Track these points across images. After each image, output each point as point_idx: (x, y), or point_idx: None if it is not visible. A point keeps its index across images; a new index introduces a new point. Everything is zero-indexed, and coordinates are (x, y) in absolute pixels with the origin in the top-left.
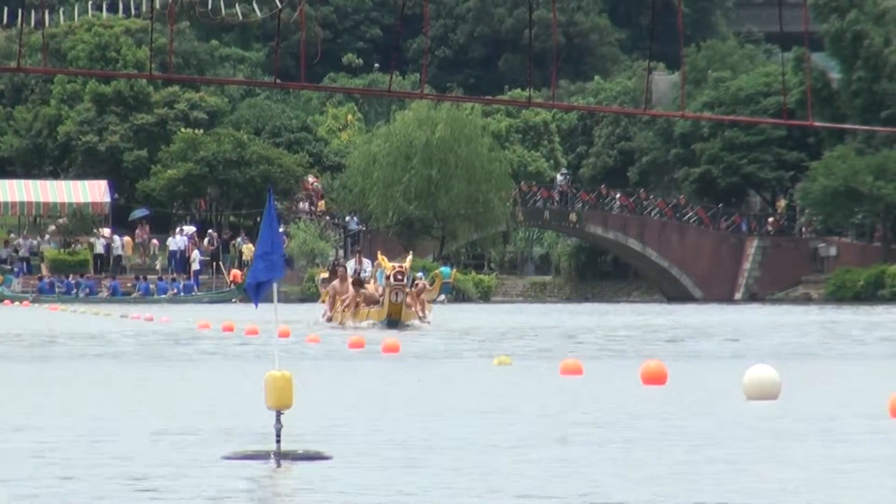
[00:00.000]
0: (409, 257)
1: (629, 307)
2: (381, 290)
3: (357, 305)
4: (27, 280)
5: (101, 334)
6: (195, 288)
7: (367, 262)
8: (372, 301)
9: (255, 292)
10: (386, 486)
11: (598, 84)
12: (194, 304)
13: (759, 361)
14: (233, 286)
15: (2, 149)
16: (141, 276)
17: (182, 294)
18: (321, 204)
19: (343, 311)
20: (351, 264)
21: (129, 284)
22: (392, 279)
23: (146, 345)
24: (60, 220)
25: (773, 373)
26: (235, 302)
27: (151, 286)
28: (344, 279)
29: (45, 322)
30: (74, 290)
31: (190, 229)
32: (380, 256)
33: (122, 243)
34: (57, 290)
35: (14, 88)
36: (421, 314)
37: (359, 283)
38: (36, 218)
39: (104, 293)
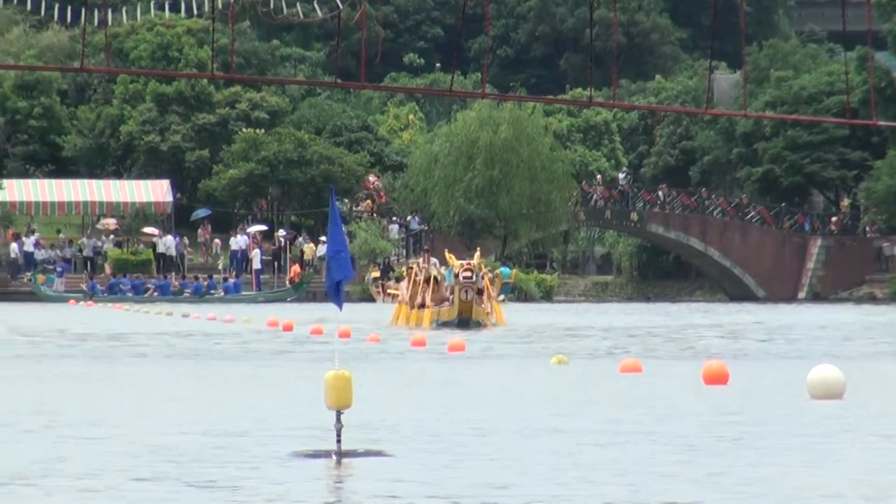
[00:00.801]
0: (477, 254)
1: (691, 306)
2: (450, 288)
3: (423, 305)
4: (70, 280)
5: (164, 333)
6: (241, 287)
7: (434, 262)
8: (442, 300)
9: (335, 293)
10: (446, 484)
11: (660, 83)
12: (248, 303)
13: (823, 361)
14: (289, 285)
15: (65, 148)
16: (189, 276)
17: (231, 293)
18: (367, 203)
19: (413, 310)
20: (419, 263)
21: (176, 284)
22: (461, 277)
23: (207, 344)
24: (110, 220)
25: (838, 372)
26: (290, 301)
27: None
28: (415, 278)
29: (108, 322)
30: (137, 291)
31: (258, 228)
32: (448, 255)
33: (175, 243)
34: (99, 288)
35: (77, 88)
36: (489, 311)
37: (434, 279)
38: (99, 217)
39: (151, 292)
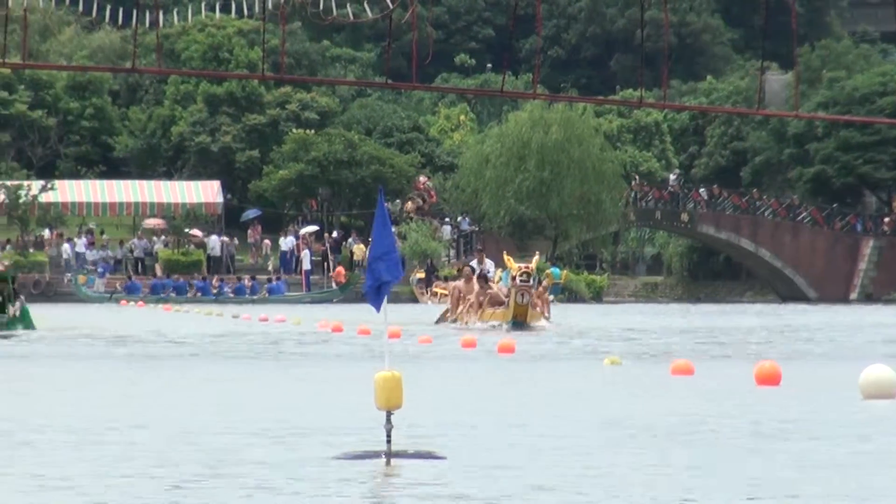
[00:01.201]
0: (536, 257)
1: (742, 307)
2: (506, 290)
3: (481, 305)
4: (111, 281)
5: (215, 334)
6: (284, 288)
7: (489, 263)
8: (497, 302)
9: (375, 295)
10: (497, 485)
11: (711, 84)
12: (294, 304)
13: (876, 361)
14: (335, 286)
15: (117, 149)
16: (228, 278)
17: (276, 294)
18: (408, 205)
19: (466, 311)
20: (473, 265)
21: (216, 285)
22: (518, 280)
23: (258, 345)
24: (155, 220)
25: (891, 372)
26: (336, 302)
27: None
28: (469, 279)
29: (158, 322)
30: (187, 291)
31: (310, 229)
32: (505, 257)
33: (220, 244)
34: (143, 289)
35: (129, 89)
36: (546, 314)
37: (484, 278)
38: (159, 218)
39: (194, 293)
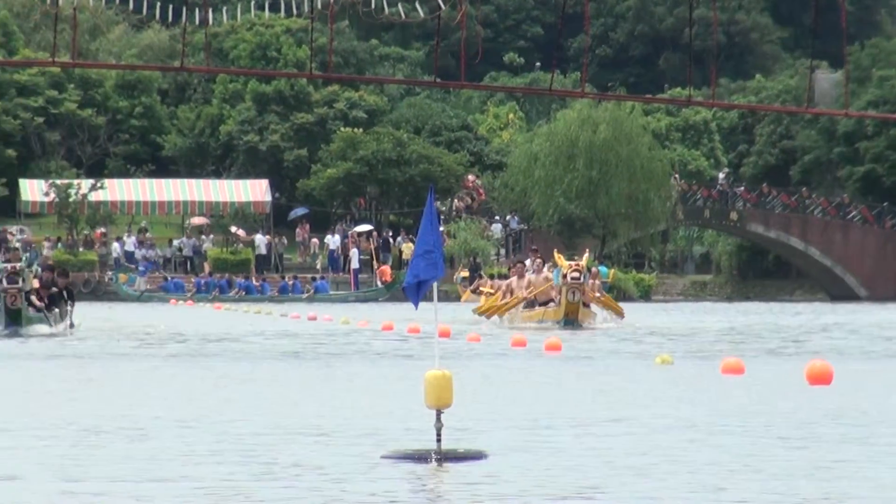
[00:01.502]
0: (587, 255)
1: (792, 306)
2: (557, 288)
3: (532, 305)
4: (152, 279)
5: (265, 332)
6: (328, 287)
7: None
8: (548, 299)
9: (415, 291)
10: (546, 484)
11: (760, 82)
12: (339, 303)
13: None
14: (381, 285)
15: (165, 148)
16: (272, 277)
17: (321, 293)
18: (457, 203)
19: (514, 307)
20: (527, 263)
21: (258, 284)
22: (569, 278)
23: (309, 344)
24: (199, 219)
25: None
26: (382, 301)
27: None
28: (521, 276)
29: (209, 321)
30: (229, 290)
31: (364, 228)
32: (556, 254)
33: (265, 243)
34: (187, 287)
35: (177, 88)
36: (612, 310)
37: (519, 268)
38: (203, 217)
39: (237, 292)
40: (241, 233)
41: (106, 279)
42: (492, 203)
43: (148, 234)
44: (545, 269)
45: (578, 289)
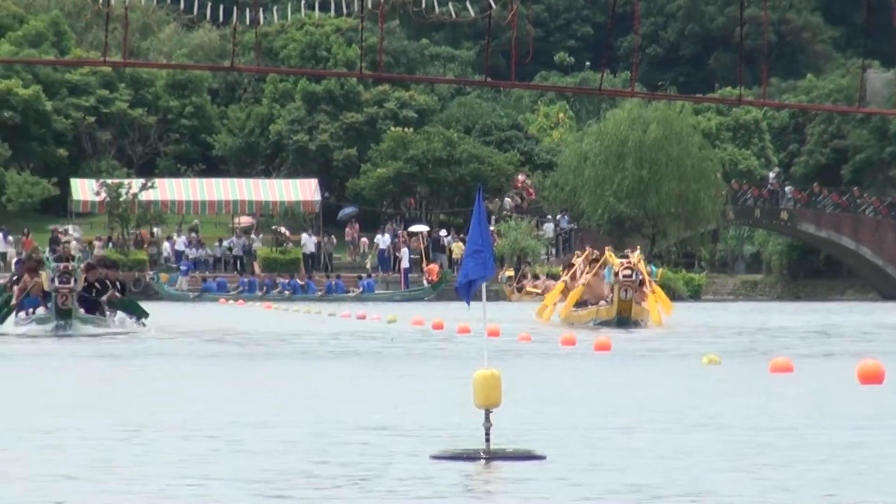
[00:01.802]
0: (637, 252)
1: (843, 305)
2: (609, 287)
3: (586, 304)
4: (193, 279)
5: (316, 332)
6: (375, 286)
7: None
8: (600, 298)
9: (466, 291)
10: (596, 484)
11: (811, 82)
12: (385, 302)
13: None
14: (426, 284)
15: (215, 147)
16: (317, 276)
17: (368, 292)
18: (507, 202)
19: (568, 307)
20: (578, 262)
21: (302, 283)
22: (621, 275)
23: (359, 343)
24: (243, 220)
25: None
26: (428, 300)
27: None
28: (574, 276)
29: (260, 320)
30: (274, 289)
31: (420, 228)
32: (608, 253)
33: (312, 241)
34: (229, 287)
35: (228, 87)
36: (662, 309)
37: (569, 267)
38: (257, 216)
39: (280, 291)
40: (285, 231)
41: (147, 279)
42: (542, 202)
43: (194, 234)
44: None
45: (631, 286)
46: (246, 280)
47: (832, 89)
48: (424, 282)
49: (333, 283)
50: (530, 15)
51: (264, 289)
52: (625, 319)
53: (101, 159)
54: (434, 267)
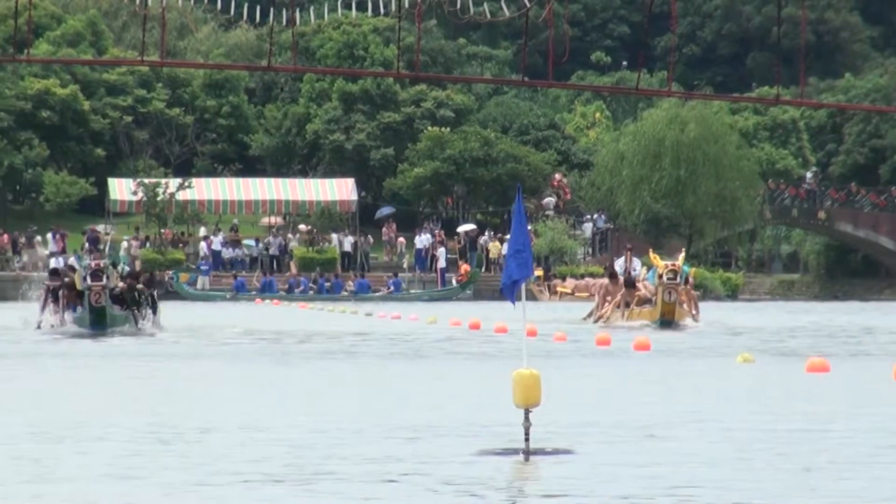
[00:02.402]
0: (682, 255)
1: (881, 305)
2: (652, 289)
3: (628, 305)
4: (216, 279)
5: (354, 332)
6: (401, 286)
7: (636, 262)
8: (644, 301)
9: (511, 291)
10: (635, 483)
11: (849, 81)
12: (415, 301)
13: None
14: (455, 284)
15: (252, 147)
16: (345, 276)
17: (396, 293)
18: (544, 202)
19: (612, 310)
20: (619, 262)
21: (329, 283)
22: (664, 278)
23: (396, 343)
24: (273, 218)
25: None
26: (456, 300)
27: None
28: (616, 279)
29: (299, 320)
30: (301, 289)
31: (468, 227)
32: (651, 254)
33: (342, 240)
34: (255, 286)
35: (264, 87)
36: (694, 312)
37: (631, 283)
38: (285, 216)
39: (303, 289)
40: (305, 229)
41: (165, 279)
42: (579, 202)
43: (222, 235)
44: (638, 266)
45: (675, 289)
46: (267, 279)
47: (870, 89)
48: (454, 281)
49: (358, 282)
50: (567, 14)
51: (287, 287)
52: (668, 322)
53: (138, 159)
54: (467, 267)
